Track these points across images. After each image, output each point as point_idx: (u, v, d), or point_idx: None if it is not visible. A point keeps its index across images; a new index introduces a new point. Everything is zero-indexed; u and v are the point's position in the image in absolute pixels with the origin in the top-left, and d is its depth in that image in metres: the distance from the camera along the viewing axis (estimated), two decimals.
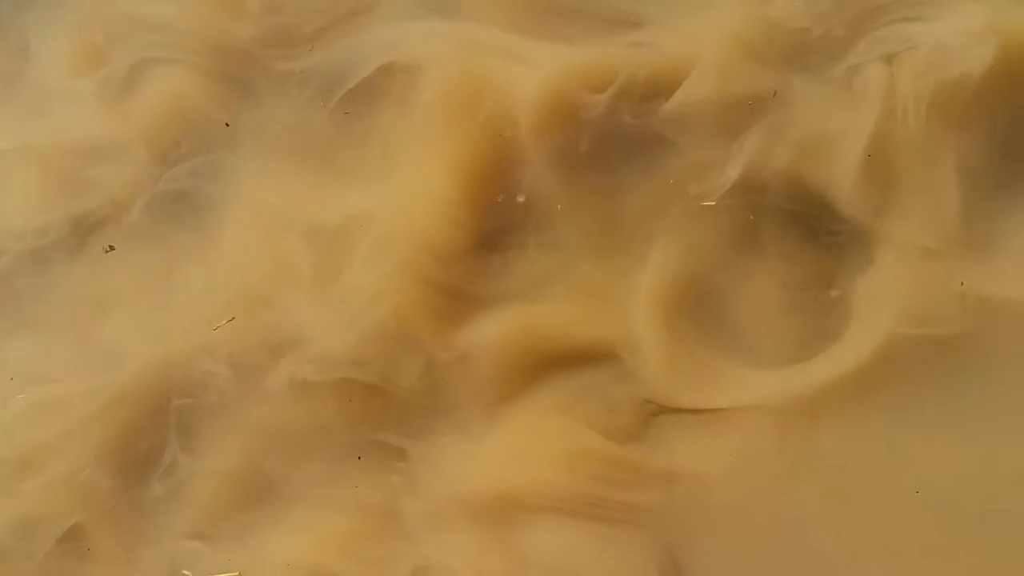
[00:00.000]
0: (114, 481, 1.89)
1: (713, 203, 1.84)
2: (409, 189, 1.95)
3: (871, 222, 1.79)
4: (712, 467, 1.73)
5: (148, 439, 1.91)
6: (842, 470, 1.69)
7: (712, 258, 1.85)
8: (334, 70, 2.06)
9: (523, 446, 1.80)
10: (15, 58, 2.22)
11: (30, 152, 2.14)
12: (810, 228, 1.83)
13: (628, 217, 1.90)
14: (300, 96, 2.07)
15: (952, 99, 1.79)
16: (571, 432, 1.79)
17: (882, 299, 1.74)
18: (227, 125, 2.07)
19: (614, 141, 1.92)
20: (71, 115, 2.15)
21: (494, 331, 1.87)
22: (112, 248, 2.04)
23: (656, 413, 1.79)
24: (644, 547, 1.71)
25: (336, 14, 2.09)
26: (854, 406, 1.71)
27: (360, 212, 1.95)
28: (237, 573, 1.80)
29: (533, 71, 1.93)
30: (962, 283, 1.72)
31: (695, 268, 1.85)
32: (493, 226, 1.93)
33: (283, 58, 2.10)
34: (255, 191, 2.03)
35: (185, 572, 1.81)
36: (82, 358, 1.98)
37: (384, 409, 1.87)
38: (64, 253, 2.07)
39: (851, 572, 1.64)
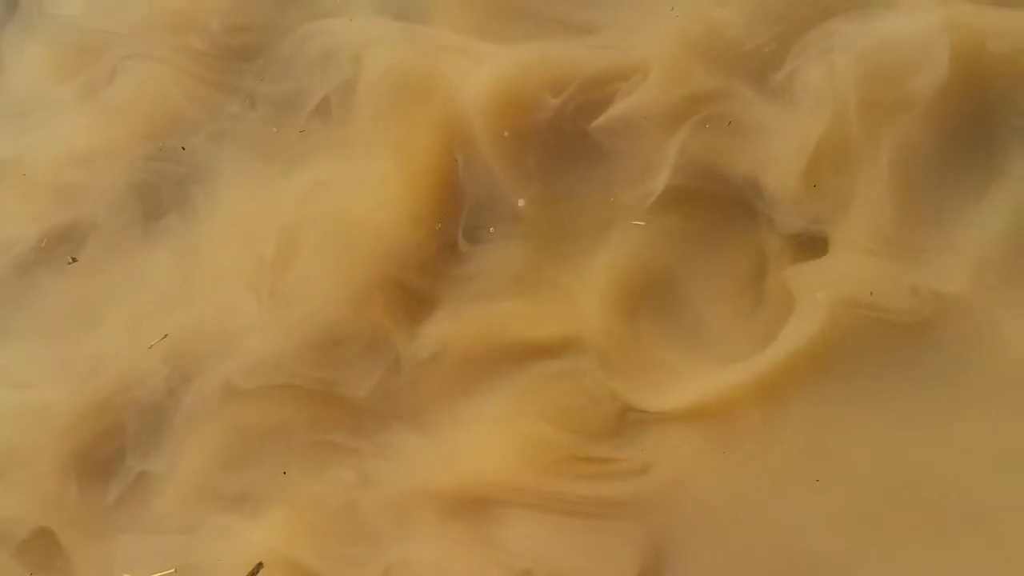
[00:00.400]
0: (75, 484, 1.94)
1: (643, 223, 1.87)
2: (367, 191, 1.99)
3: (818, 223, 1.80)
4: (684, 458, 1.75)
5: (109, 444, 1.96)
6: (812, 459, 1.70)
7: (664, 258, 1.87)
8: (297, 81, 2.14)
9: (490, 442, 1.81)
10: None
11: (11, 163, 2.23)
12: (759, 227, 1.85)
13: (583, 216, 1.92)
14: (266, 107, 2.15)
15: (900, 100, 1.79)
16: (540, 427, 1.80)
17: (832, 294, 1.75)
18: (183, 148, 2.14)
19: (566, 143, 1.95)
20: (50, 126, 2.24)
21: (455, 329, 1.90)
22: (74, 260, 2.11)
23: (625, 408, 1.80)
24: (621, 539, 1.72)
25: (299, 17, 2.18)
26: (814, 397, 1.73)
27: (319, 215, 2.01)
28: (173, 570, 1.82)
29: (486, 72, 1.97)
30: (910, 281, 1.72)
31: (647, 267, 1.87)
32: (451, 225, 1.96)
33: (247, 72, 2.18)
34: (229, 200, 2.10)
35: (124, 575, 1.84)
36: (56, 365, 2.04)
37: (345, 409, 1.90)
38: (46, 263, 2.13)
39: (825, 559, 1.65)
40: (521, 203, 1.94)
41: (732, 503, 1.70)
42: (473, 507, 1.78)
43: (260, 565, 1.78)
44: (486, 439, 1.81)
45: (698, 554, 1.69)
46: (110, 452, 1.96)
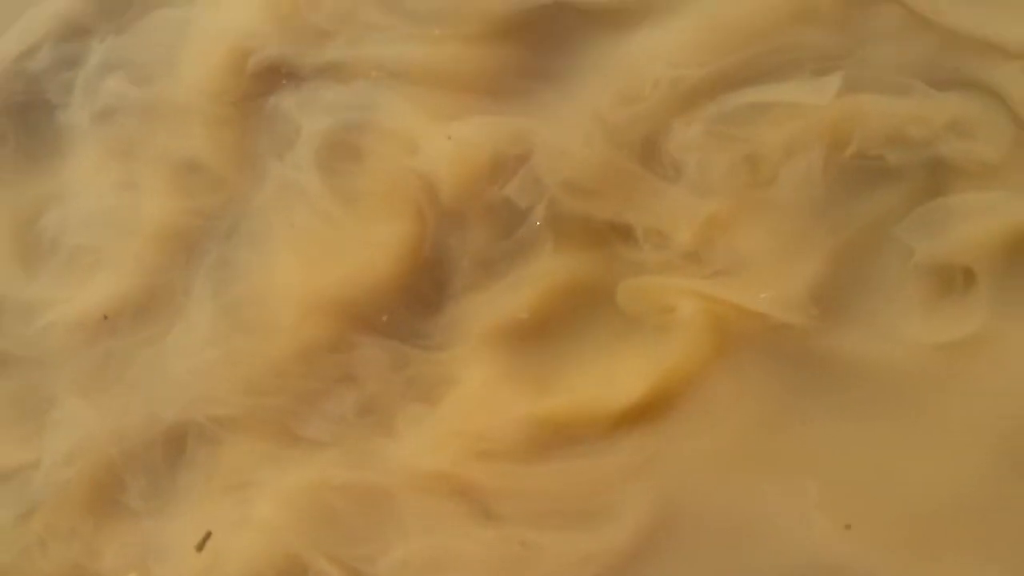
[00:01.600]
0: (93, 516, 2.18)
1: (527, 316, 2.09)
2: (341, 249, 2.28)
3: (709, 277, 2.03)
4: (653, 445, 1.89)
5: (131, 475, 2.20)
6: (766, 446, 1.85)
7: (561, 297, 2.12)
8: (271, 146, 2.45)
9: (453, 437, 1.98)
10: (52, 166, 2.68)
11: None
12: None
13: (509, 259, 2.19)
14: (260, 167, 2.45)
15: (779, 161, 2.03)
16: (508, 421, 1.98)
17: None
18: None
19: (497, 213, 2.24)
20: (104, 211, 2.55)
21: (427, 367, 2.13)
22: (107, 317, 2.37)
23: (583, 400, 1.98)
24: (610, 516, 1.84)
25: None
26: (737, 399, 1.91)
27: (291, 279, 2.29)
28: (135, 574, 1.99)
29: (447, 141, 2.27)
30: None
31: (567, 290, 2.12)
32: (418, 278, 2.22)
33: (243, 140, 2.50)
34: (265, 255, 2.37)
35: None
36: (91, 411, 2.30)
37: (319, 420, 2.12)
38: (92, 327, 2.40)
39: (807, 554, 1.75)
40: (538, 223, 2.17)
41: (708, 484, 1.83)
42: (457, 495, 1.93)
43: (209, 534, 1.92)
44: (452, 435, 1.99)
45: (682, 533, 1.81)
46: (131, 481, 2.21)
